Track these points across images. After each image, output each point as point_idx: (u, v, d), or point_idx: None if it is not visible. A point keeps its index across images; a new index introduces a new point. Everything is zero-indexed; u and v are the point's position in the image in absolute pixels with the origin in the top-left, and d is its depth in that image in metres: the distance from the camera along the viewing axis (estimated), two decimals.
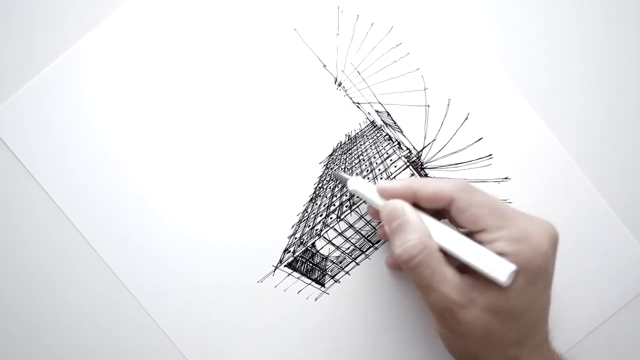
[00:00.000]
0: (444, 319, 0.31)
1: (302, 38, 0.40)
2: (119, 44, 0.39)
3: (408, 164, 0.40)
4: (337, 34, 0.40)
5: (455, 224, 0.33)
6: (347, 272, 0.40)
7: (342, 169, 0.39)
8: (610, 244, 0.40)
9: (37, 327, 0.40)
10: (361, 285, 0.40)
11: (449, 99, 0.40)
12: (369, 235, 0.40)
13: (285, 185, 0.40)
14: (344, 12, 0.40)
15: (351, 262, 0.40)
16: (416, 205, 0.33)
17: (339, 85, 0.40)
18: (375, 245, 0.40)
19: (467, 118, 0.40)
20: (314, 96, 0.40)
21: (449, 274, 0.30)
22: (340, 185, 0.40)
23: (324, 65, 0.40)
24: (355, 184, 0.36)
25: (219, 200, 0.40)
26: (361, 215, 0.40)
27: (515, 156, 0.40)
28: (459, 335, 0.31)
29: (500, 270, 0.29)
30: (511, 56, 0.40)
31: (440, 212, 0.34)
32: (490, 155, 0.40)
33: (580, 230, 0.40)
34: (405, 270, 0.32)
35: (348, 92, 0.40)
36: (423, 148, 0.40)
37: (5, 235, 0.40)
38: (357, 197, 0.39)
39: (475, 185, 0.33)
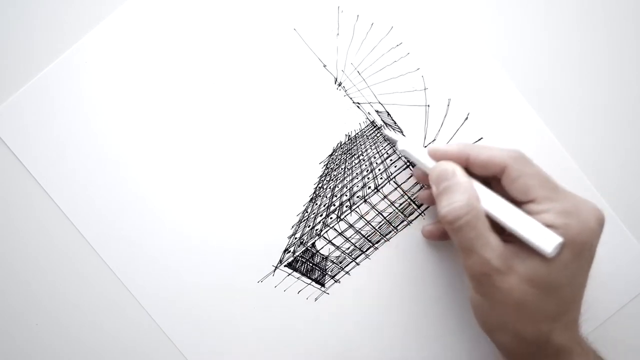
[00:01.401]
0: (481, 284, 0.31)
1: (302, 38, 0.40)
2: (119, 44, 0.39)
3: (408, 164, 0.40)
4: (337, 34, 0.40)
5: (504, 194, 0.32)
6: (347, 272, 0.40)
7: (391, 128, 0.39)
8: (610, 244, 0.40)
9: (37, 327, 0.40)
10: (361, 285, 0.40)
11: (449, 99, 0.40)
12: (369, 235, 0.40)
13: (285, 185, 0.40)
14: (344, 12, 0.39)
15: (351, 262, 0.40)
16: (467, 171, 0.33)
17: (339, 85, 0.40)
18: (376, 245, 0.40)
19: (467, 118, 0.40)
20: (314, 96, 0.40)
21: (493, 239, 0.30)
22: (340, 185, 0.40)
23: (324, 65, 0.40)
24: (406, 144, 0.36)
25: (219, 200, 0.40)
26: (361, 215, 0.40)
27: None
28: (493, 303, 0.31)
29: (547, 241, 0.29)
30: (511, 56, 0.40)
31: (489, 183, 0.33)
32: None
33: None
34: (449, 231, 0.31)
35: (348, 92, 0.40)
36: None
37: (5, 235, 0.40)
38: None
39: (527, 156, 0.32)
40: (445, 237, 0.38)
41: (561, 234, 0.29)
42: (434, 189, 0.33)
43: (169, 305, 0.40)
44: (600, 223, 0.31)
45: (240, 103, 0.40)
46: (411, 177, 0.40)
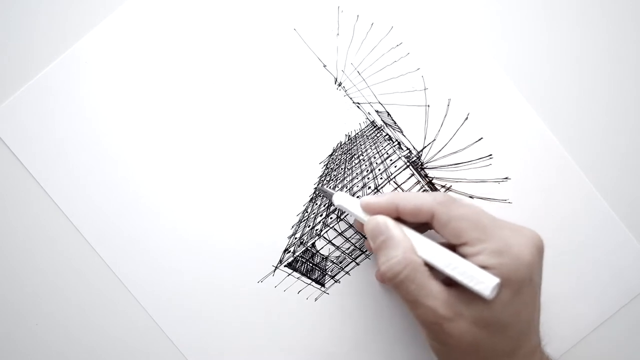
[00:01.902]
0: (433, 332, 0.31)
1: (302, 38, 0.40)
2: (119, 44, 0.39)
3: (408, 164, 0.40)
4: (337, 34, 0.40)
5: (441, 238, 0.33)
6: (347, 272, 0.40)
7: (327, 183, 0.40)
8: (610, 244, 0.40)
9: (37, 327, 0.40)
10: (361, 285, 0.40)
11: (449, 99, 0.40)
12: None
13: (285, 185, 0.40)
14: (344, 12, 0.39)
15: (351, 262, 0.40)
16: (400, 219, 0.33)
17: (339, 85, 0.40)
18: None
19: (467, 118, 0.40)
20: (314, 96, 0.40)
21: (435, 288, 0.31)
22: (340, 185, 0.40)
23: (324, 65, 0.40)
24: (340, 199, 0.36)
25: (219, 200, 0.40)
26: None
27: (515, 156, 0.40)
28: (449, 348, 0.31)
29: (484, 283, 0.29)
30: (511, 56, 0.40)
31: (426, 224, 0.34)
32: (490, 155, 0.40)
33: (580, 230, 0.40)
34: (392, 287, 0.32)
35: (348, 92, 0.40)
36: (423, 148, 0.40)
37: (5, 235, 0.40)
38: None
39: (456, 197, 0.33)
40: None
41: (496, 274, 0.29)
42: (371, 243, 0.33)
43: (169, 305, 0.40)
44: (539, 252, 0.31)
45: (240, 103, 0.40)
46: (411, 177, 0.40)
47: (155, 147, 0.40)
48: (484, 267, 0.30)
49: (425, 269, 0.31)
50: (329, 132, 0.40)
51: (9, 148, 0.39)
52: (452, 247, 0.32)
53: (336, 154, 0.40)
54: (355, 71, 0.40)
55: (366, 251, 0.40)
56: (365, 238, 0.39)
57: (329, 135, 0.40)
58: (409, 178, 0.40)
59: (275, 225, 0.40)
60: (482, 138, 0.40)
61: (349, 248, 0.40)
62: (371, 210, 0.34)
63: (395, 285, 0.31)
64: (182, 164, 0.40)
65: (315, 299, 0.40)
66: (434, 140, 0.40)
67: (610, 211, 0.40)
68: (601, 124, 0.40)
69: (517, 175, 0.40)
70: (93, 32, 0.39)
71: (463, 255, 0.31)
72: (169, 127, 0.40)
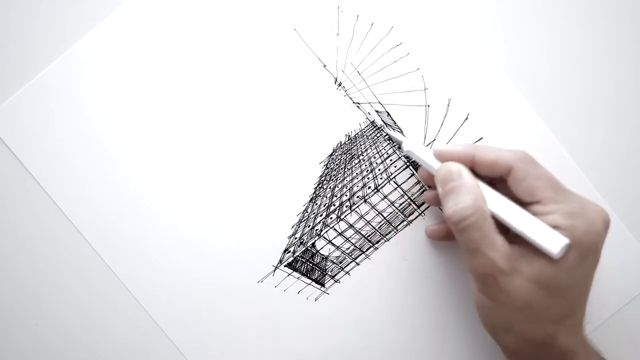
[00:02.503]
0: (486, 285, 0.31)
1: (302, 38, 0.40)
2: (119, 44, 0.39)
3: (408, 164, 0.40)
4: (337, 34, 0.40)
5: (510, 196, 0.32)
6: (347, 272, 0.40)
7: (392, 128, 0.39)
8: (610, 244, 0.40)
9: (37, 327, 0.40)
10: (361, 285, 0.40)
11: (449, 99, 0.40)
12: (369, 235, 0.40)
13: (285, 185, 0.40)
14: (344, 12, 0.39)
15: (351, 262, 0.40)
16: (472, 171, 0.33)
17: (339, 85, 0.40)
18: (376, 245, 0.40)
19: (467, 118, 0.40)
20: (314, 96, 0.40)
21: (499, 240, 0.30)
22: (340, 185, 0.40)
23: (324, 65, 0.40)
24: (411, 145, 0.36)
25: (219, 200, 0.40)
26: (361, 215, 0.40)
27: None
28: (498, 304, 0.31)
29: (554, 242, 0.29)
30: (511, 56, 0.40)
31: (494, 184, 0.33)
32: None
33: None
34: (455, 232, 0.31)
35: (348, 92, 0.40)
36: None
37: (5, 235, 0.40)
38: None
39: (533, 157, 0.32)
40: (448, 237, 0.38)
41: (567, 236, 0.29)
42: (439, 189, 0.33)
43: (169, 305, 0.40)
44: (606, 224, 0.31)
45: (240, 103, 0.40)
46: (411, 177, 0.40)
47: (155, 147, 0.40)
48: (555, 227, 0.29)
49: (492, 221, 0.31)
50: (329, 132, 0.40)
51: (9, 148, 0.39)
52: (523, 207, 0.31)
53: (336, 154, 0.40)
54: (355, 71, 0.40)
55: (366, 251, 0.40)
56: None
57: (329, 135, 0.40)
58: (409, 178, 0.40)
59: (275, 225, 0.40)
60: (482, 138, 0.40)
61: (349, 248, 0.40)
62: (445, 158, 0.34)
63: (459, 230, 0.31)
64: (182, 164, 0.40)
65: (315, 299, 0.40)
66: (434, 140, 0.40)
67: (611, 211, 0.40)
68: (601, 124, 0.40)
69: None
70: (93, 32, 0.39)
71: (534, 214, 0.30)
72: (169, 127, 0.40)
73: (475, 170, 0.33)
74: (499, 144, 0.40)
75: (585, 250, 0.30)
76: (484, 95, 0.40)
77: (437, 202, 0.38)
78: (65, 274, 0.40)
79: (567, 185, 0.32)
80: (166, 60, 0.39)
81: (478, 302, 0.33)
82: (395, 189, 0.40)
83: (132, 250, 0.40)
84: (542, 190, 0.31)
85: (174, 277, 0.40)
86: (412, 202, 0.40)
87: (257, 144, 0.40)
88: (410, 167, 0.40)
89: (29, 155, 0.39)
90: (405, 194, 0.40)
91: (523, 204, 0.32)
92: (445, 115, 0.40)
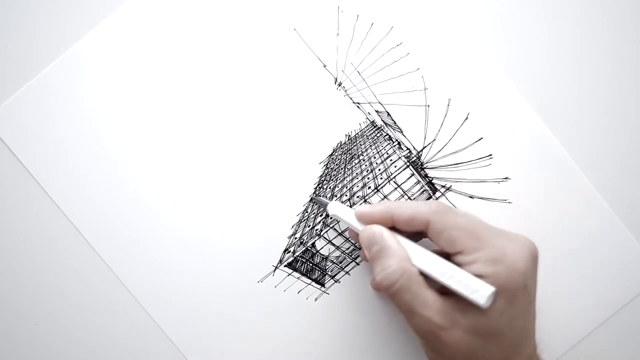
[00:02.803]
0: (429, 341, 0.31)
1: (302, 38, 0.40)
2: (119, 44, 0.39)
3: (408, 164, 0.40)
4: (337, 34, 0.40)
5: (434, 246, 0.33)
6: (347, 272, 0.40)
7: (321, 191, 0.40)
8: (610, 244, 0.40)
9: (37, 327, 0.40)
10: (361, 285, 0.40)
11: (449, 99, 0.40)
12: None
13: (285, 185, 0.40)
14: (344, 12, 0.40)
15: (351, 262, 0.40)
16: (394, 228, 0.33)
17: (339, 85, 0.40)
18: None
19: (467, 118, 0.40)
20: (314, 96, 0.40)
21: (430, 297, 0.31)
22: (340, 185, 0.40)
23: (324, 65, 0.40)
24: (335, 209, 0.36)
25: (219, 200, 0.40)
26: None
27: (515, 156, 0.40)
28: (445, 357, 0.31)
29: (480, 292, 0.29)
30: (511, 56, 0.40)
31: (420, 233, 0.34)
32: (490, 155, 0.40)
33: (580, 230, 0.40)
34: (387, 296, 0.32)
35: (348, 92, 0.40)
36: (423, 148, 0.40)
37: (5, 235, 0.40)
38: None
39: (450, 206, 0.33)
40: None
41: (491, 283, 0.29)
42: (366, 253, 0.33)
43: (169, 305, 0.40)
44: (533, 260, 0.31)
45: (240, 103, 0.40)
46: (411, 177, 0.40)
47: (155, 147, 0.40)
48: (479, 276, 0.30)
49: (421, 278, 0.31)
50: (329, 132, 0.40)
51: (9, 148, 0.39)
52: (447, 256, 0.32)
53: (336, 154, 0.40)
54: (355, 71, 0.40)
55: None
56: (360, 248, 0.40)
57: (329, 135, 0.40)
58: (409, 178, 0.40)
59: (275, 225, 0.40)
60: (482, 138, 0.40)
61: (349, 248, 0.40)
62: (366, 220, 0.34)
63: (390, 294, 0.31)
64: (182, 164, 0.40)
65: (315, 299, 0.40)
66: (434, 140, 0.40)
67: (610, 211, 0.40)
68: (601, 124, 0.40)
69: (517, 175, 0.40)
70: (93, 32, 0.39)
71: (458, 264, 0.31)
72: (169, 127, 0.40)
73: (397, 227, 0.34)
74: (499, 143, 0.40)
75: (512, 294, 0.30)
76: (484, 95, 0.40)
77: None
78: (65, 274, 0.40)
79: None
80: (166, 60, 0.39)
81: (427, 356, 0.33)
82: (395, 189, 0.40)
83: (132, 250, 0.40)
84: (462, 240, 0.31)
85: (174, 277, 0.40)
86: (411, 200, 0.40)
87: (257, 144, 0.40)
88: (410, 167, 0.40)
89: (29, 155, 0.39)
90: (405, 194, 0.40)
91: (447, 254, 0.32)
92: (445, 115, 0.40)
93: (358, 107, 0.40)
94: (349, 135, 0.40)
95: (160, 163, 0.40)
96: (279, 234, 0.40)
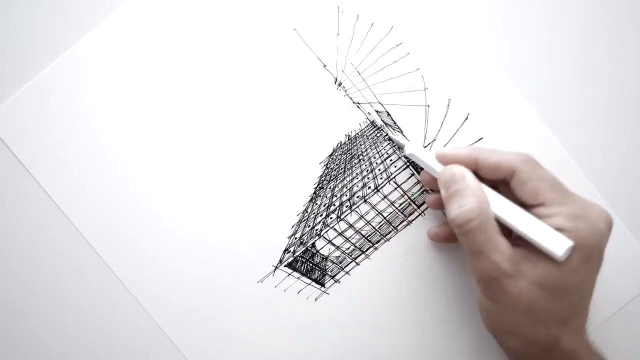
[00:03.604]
0: (490, 288, 0.31)
1: (302, 38, 0.40)
2: (119, 44, 0.39)
3: (408, 164, 0.40)
4: (337, 34, 0.40)
5: (513, 198, 0.32)
6: (347, 272, 0.40)
7: (392, 128, 0.39)
8: (610, 244, 0.40)
9: (37, 327, 0.40)
10: (361, 285, 0.40)
11: (449, 99, 0.40)
12: (369, 235, 0.40)
13: (285, 185, 0.40)
14: (344, 12, 0.39)
15: (351, 262, 0.40)
16: (475, 174, 0.33)
17: (339, 85, 0.40)
18: (376, 245, 0.40)
19: (467, 118, 0.40)
20: (314, 96, 0.40)
21: (502, 243, 0.30)
22: (340, 185, 0.40)
23: (324, 65, 0.40)
24: (413, 148, 0.36)
25: (219, 200, 0.40)
26: (361, 215, 0.40)
27: None
28: (502, 307, 0.31)
29: (558, 244, 0.29)
30: (511, 56, 0.40)
31: (498, 187, 0.33)
32: None
33: None
34: (459, 234, 0.31)
35: (348, 92, 0.40)
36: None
37: (5, 236, 0.40)
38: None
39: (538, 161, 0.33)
40: (450, 239, 0.38)
41: (571, 238, 0.29)
42: (442, 192, 0.33)
43: (169, 305, 0.40)
44: (609, 226, 0.31)
45: (240, 103, 0.40)
46: (411, 177, 0.40)
47: (155, 147, 0.40)
48: (559, 229, 0.30)
49: (496, 224, 0.31)
50: (329, 132, 0.40)
51: (9, 148, 0.39)
52: (526, 209, 0.31)
53: (336, 154, 0.40)
54: (355, 71, 0.40)
55: (366, 251, 0.40)
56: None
57: (329, 135, 0.40)
58: (409, 178, 0.40)
59: (275, 225, 0.40)
60: (482, 138, 0.40)
61: (349, 248, 0.40)
62: (447, 162, 0.34)
63: (463, 232, 0.31)
64: (182, 164, 0.40)
65: (315, 299, 0.40)
66: (434, 140, 0.40)
67: (611, 211, 0.40)
68: (601, 124, 0.40)
69: None
70: (93, 32, 0.39)
71: (537, 217, 0.31)
72: (169, 127, 0.40)
73: (479, 173, 0.33)
74: (499, 144, 0.40)
75: (589, 252, 0.30)
76: (484, 95, 0.40)
77: (439, 206, 0.38)
78: (65, 274, 0.40)
79: (568, 186, 0.32)
80: (166, 60, 0.39)
81: (481, 305, 0.33)
82: (395, 189, 0.40)
83: (132, 250, 0.40)
84: (545, 192, 0.31)
85: (174, 277, 0.40)
86: (412, 202, 0.40)
87: (257, 144, 0.40)
88: (410, 167, 0.40)
89: (29, 155, 0.39)
90: (405, 194, 0.40)
91: (526, 206, 0.32)
92: (445, 115, 0.40)
93: (358, 107, 0.40)
94: (349, 135, 0.40)
95: (160, 163, 0.40)
96: (279, 234, 0.40)
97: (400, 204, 0.40)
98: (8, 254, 0.40)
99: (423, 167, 0.36)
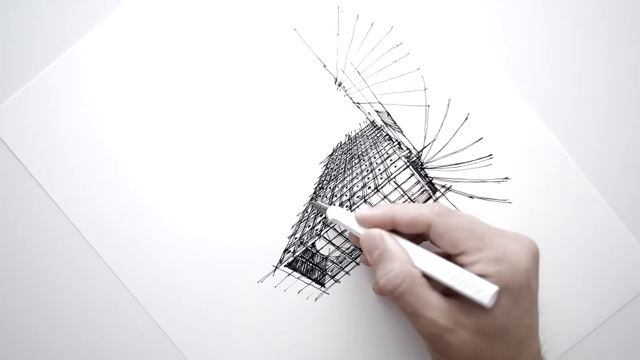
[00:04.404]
0: (434, 343, 0.31)
1: (302, 38, 0.40)
2: (119, 44, 0.39)
3: (408, 164, 0.40)
4: (337, 34, 0.40)
5: (436, 248, 0.33)
6: (347, 272, 0.40)
7: (322, 194, 0.40)
8: (610, 244, 0.40)
9: (37, 327, 0.40)
10: (361, 285, 0.40)
11: (449, 99, 0.40)
12: None
13: (285, 185, 0.40)
14: (344, 12, 0.40)
15: (351, 262, 0.40)
16: (395, 231, 0.33)
17: (339, 85, 0.40)
18: None
19: (467, 118, 0.40)
20: (314, 96, 0.40)
21: (434, 299, 0.31)
22: (340, 185, 0.40)
23: (324, 65, 0.40)
24: (334, 213, 0.36)
25: (219, 200, 0.40)
26: None
27: (515, 156, 0.40)
28: (451, 359, 0.31)
29: (483, 292, 0.29)
30: (511, 56, 0.40)
31: (421, 235, 0.34)
32: (490, 155, 0.40)
33: (580, 230, 0.40)
34: (391, 299, 0.32)
35: (348, 92, 0.40)
36: (423, 148, 0.40)
37: (5, 236, 0.40)
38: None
39: (451, 207, 0.33)
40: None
41: (495, 282, 0.29)
42: (368, 257, 0.34)
43: (169, 305, 0.40)
44: (535, 257, 0.31)
45: (240, 103, 0.40)
46: (411, 177, 0.40)
47: (156, 147, 0.40)
48: (482, 276, 0.30)
49: (424, 280, 0.31)
50: (329, 132, 0.40)
51: (9, 148, 0.39)
52: (449, 258, 0.32)
53: (336, 154, 0.40)
54: (355, 71, 0.40)
55: None
56: (362, 251, 0.40)
57: (329, 135, 0.40)
58: (409, 178, 0.40)
59: (275, 225, 0.40)
60: (482, 138, 0.40)
61: (349, 248, 0.40)
62: (366, 224, 0.34)
63: (394, 298, 0.31)
64: (182, 164, 0.40)
65: (315, 299, 0.40)
66: (434, 140, 0.40)
67: (610, 211, 0.40)
68: (601, 124, 0.40)
69: (517, 175, 0.40)
70: (93, 32, 0.39)
71: (460, 265, 0.31)
72: (169, 127, 0.40)
73: (398, 230, 0.34)
74: (499, 143, 0.40)
75: (516, 292, 0.30)
76: (484, 95, 0.40)
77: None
78: (65, 274, 0.40)
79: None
80: (166, 60, 0.39)
81: (433, 358, 0.34)
82: (395, 189, 0.40)
83: (132, 250, 0.40)
84: (464, 240, 0.31)
85: (174, 277, 0.40)
86: (412, 202, 0.40)
87: (257, 144, 0.40)
88: (410, 167, 0.40)
89: (29, 155, 0.39)
90: (405, 194, 0.40)
91: (449, 256, 0.32)
92: (445, 115, 0.40)
93: (358, 107, 0.40)
94: (349, 135, 0.40)
95: (161, 163, 0.40)
96: (279, 234, 0.40)
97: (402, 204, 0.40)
98: (8, 254, 0.40)
99: (347, 230, 0.36)
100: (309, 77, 0.40)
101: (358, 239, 0.35)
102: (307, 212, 0.40)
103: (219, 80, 0.40)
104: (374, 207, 0.35)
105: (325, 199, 0.40)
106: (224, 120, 0.40)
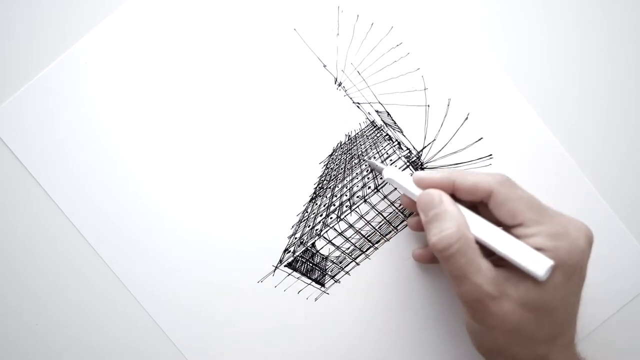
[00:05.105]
0: (475, 310, 0.31)
1: (302, 38, 0.40)
2: (119, 44, 0.39)
3: (408, 164, 0.40)
4: (337, 34, 0.40)
5: (491, 218, 0.32)
6: (347, 272, 0.40)
7: (375, 158, 0.39)
8: (610, 244, 0.40)
9: (37, 327, 0.40)
10: (361, 285, 0.40)
11: (449, 99, 0.40)
12: (369, 235, 0.40)
13: (285, 185, 0.40)
14: (344, 12, 0.40)
15: (351, 262, 0.40)
16: (453, 197, 0.33)
17: (339, 85, 0.40)
18: (376, 245, 0.40)
19: (467, 118, 0.40)
20: (314, 96, 0.40)
21: (484, 265, 0.30)
22: (340, 185, 0.40)
23: (324, 65, 0.40)
24: (391, 173, 0.36)
25: (219, 200, 0.40)
26: (361, 215, 0.40)
27: (515, 156, 0.40)
28: (489, 329, 0.31)
29: (538, 264, 0.29)
30: (511, 56, 0.40)
31: (476, 207, 0.33)
32: (490, 155, 0.40)
33: None
34: (440, 259, 0.31)
35: (348, 92, 0.40)
36: (423, 148, 0.40)
37: (5, 236, 0.40)
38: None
39: (512, 179, 0.33)
40: (435, 260, 0.38)
41: (551, 257, 0.29)
42: (422, 216, 0.33)
43: (169, 305, 0.40)
44: (590, 241, 0.31)
45: (240, 103, 0.40)
46: None
47: (156, 147, 0.40)
48: (538, 249, 0.30)
49: (477, 246, 0.31)
50: (329, 132, 0.40)
51: (9, 148, 0.39)
52: (505, 229, 0.31)
53: (336, 154, 0.40)
54: (355, 71, 0.40)
55: (366, 251, 0.40)
56: (406, 217, 0.39)
57: (329, 135, 0.40)
58: None
59: (275, 225, 0.40)
60: (482, 138, 0.40)
61: (349, 248, 0.40)
62: (424, 186, 0.34)
63: (444, 257, 0.31)
64: (182, 164, 0.40)
65: (315, 299, 0.40)
66: (434, 140, 0.40)
67: (610, 211, 0.40)
68: (601, 124, 0.40)
69: (517, 175, 0.40)
70: (93, 32, 0.39)
71: (517, 237, 0.31)
72: (169, 127, 0.40)
73: (456, 196, 0.33)
74: (499, 143, 0.40)
75: (571, 270, 0.30)
76: (484, 95, 0.40)
77: (420, 228, 0.38)
78: (65, 274, 0.40)
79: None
80: (166, 60, 0.39)
81: (469, 327, 0.33)
82: (395, 189, 0.40)
83: (132, 250, 0.40)
84: (524, 212, 0.31)
85: (174, 277, 0.40)
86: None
87: (257, 144, 0.40)
88: (410, 167, 0.40)
89: (29, 155, 0.39)
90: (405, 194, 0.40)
91: (506, 227, 0.32)
92: (445, 115, 0.40)
93: (358, 107, 0.40)
94: (349, 135, 0.40)
95: (161, 163, 0.40)
96: (279, 234, 0.40)
97: (400, 204, 0.40)
98: (8, 254, 0.40)
99: (402, 191, 0.36)
100: (309, 77, 0.40)
101: (410, 202, 0.35)
102: (307, 212, 0.40)
103: (218, 80, 0.40)
104: (433, 170, 0.34)
105: (378, 159, 0.39)
106: (224, 120, 0.40)
